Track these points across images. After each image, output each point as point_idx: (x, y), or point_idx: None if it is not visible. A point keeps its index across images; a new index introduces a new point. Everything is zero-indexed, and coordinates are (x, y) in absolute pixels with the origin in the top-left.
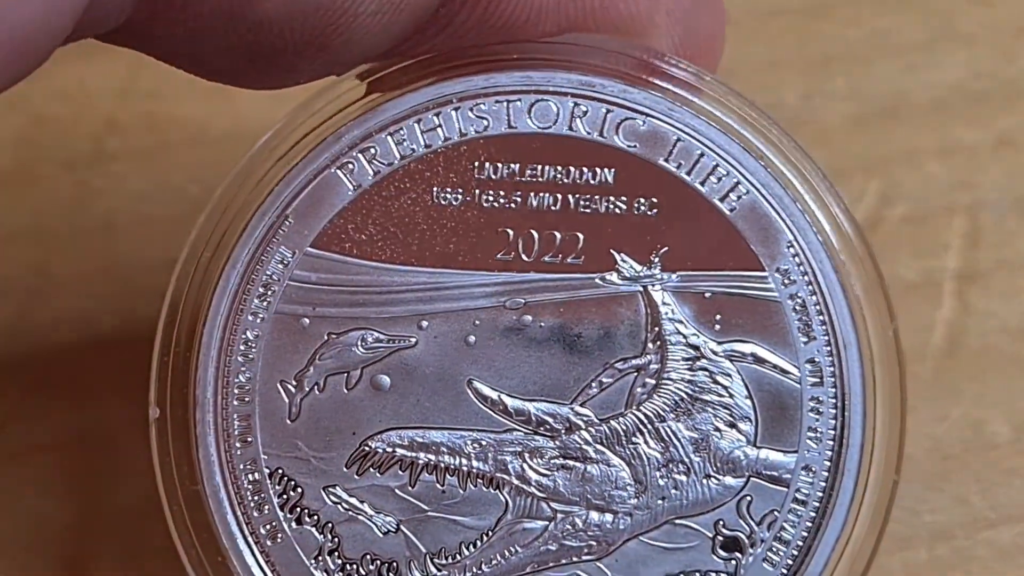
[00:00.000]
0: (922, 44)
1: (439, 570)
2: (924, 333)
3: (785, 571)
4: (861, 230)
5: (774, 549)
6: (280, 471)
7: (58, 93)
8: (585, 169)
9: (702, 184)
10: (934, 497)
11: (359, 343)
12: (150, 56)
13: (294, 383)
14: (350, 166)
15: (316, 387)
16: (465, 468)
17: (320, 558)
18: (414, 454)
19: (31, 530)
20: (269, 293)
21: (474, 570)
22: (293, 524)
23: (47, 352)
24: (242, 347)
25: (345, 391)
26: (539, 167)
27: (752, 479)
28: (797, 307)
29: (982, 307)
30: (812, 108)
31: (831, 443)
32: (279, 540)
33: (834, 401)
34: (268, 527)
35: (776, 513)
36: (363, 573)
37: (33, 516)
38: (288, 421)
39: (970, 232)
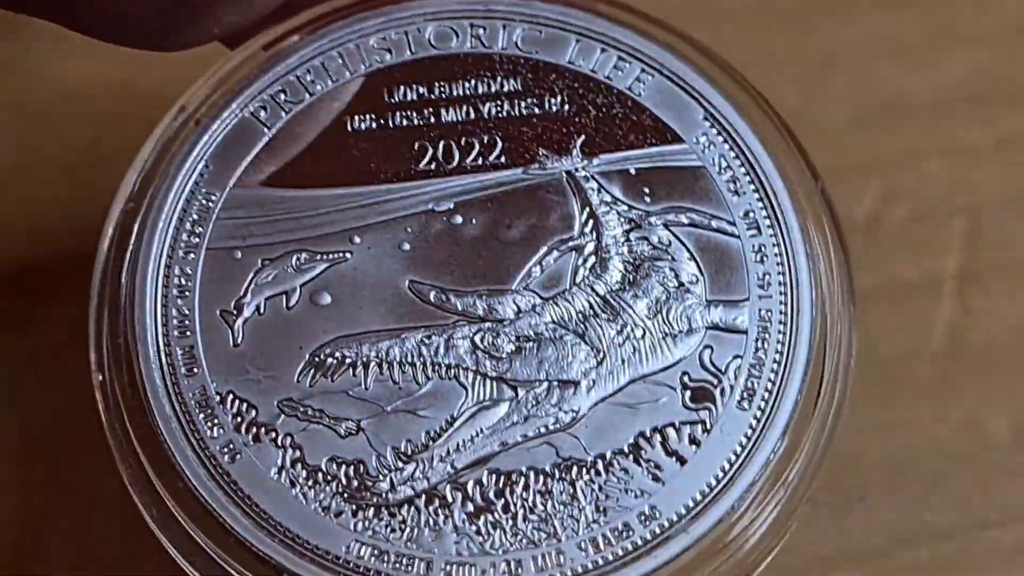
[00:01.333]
0: (922, 44)
1: (404, 462)
2: (924, 333)
3: (760, 410)
4: (767, 101)
5: (744, 392)
6: (231, 394)
7: (58, 93)
8: (492, 80)
9: (607, 76)
10: (935, 497)
11: (293, 263)
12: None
13: (234, 311)
14: (263, 110)
15: (257, 311)
16: (419, 363)
17: (284, 470)
18: (364, 357)
19: None
20: (197, 233)
21: (442, 456)
22: (251, 442)
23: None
24: (177, 285)
25: (286, 310)
26: (447, 84)
27: (709, 331)
28: (722, 168)
29: (982, 307)
30: (812, 108)
31: (780, 285)
32: (239, 459)
33: (775, 245)
34: (226, 449)
35: (739, 359)
36: (330, 476)
37: None
38: (232, 346)
39: (970, 232)
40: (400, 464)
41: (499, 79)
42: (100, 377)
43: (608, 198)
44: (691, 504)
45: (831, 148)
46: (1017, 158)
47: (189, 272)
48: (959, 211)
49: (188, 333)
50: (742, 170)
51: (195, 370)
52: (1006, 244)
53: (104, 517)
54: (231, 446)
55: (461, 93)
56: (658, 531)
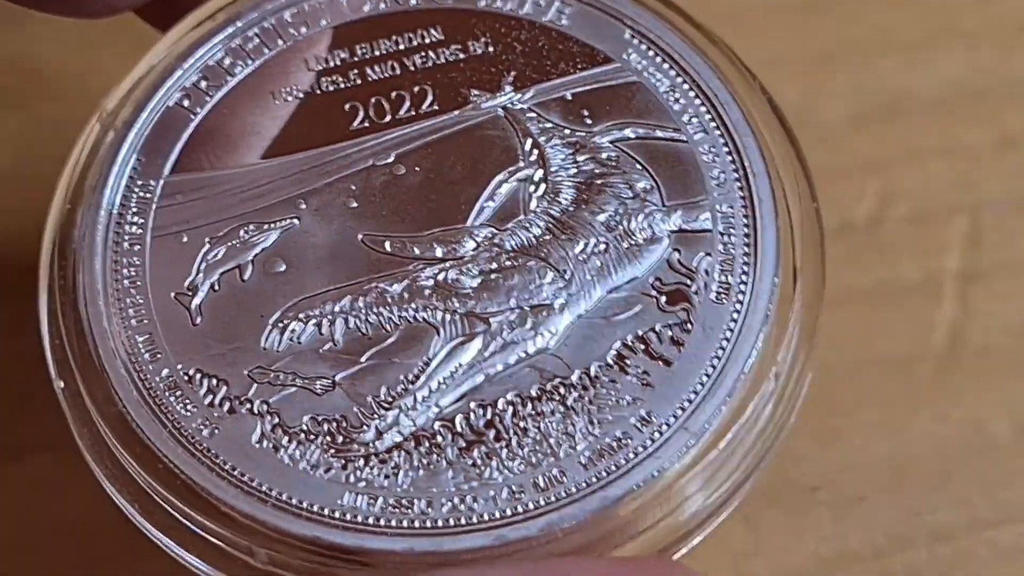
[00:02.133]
0: (923, 42)
1: (386, 409)
2: (925, 333)
3: (739, 304)
4: (687, 14)
5: (719, 287)
6: (199, 372)
7: (58, 93)
8: (411, 34)
9: (527, 12)
10: (935, 497)
11: (241, 236)
12: None
13: (188, 291)
14: (187, 96)
15: (212, 288)
16: (385, 311)
17: (265, 437)
18: (330, 314)
19: None
20: (139, 224)
21: (424, 397)
22: (226, 415)
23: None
24: (128, 276)
25: (241, 283)
26: (368, 44)
27: (673, 235)
28: (656, 80)
29: (983, 307)
30: (813, 107)
31: (738, 183)
32: (217, 433)
33: (724, 143)
34: (202, 425)
35: (708, 256)
36: (315, 434)
37: None
38: (192, 326)
39: (971, 232)
40: (382, 411)
41: (420, 32)
42: (62, 384)
43: (549, 125)
44: (686, 404)
45: (831, 147)
46: (1018, 157)
47: (137, 263)
48: (959, 211)
49: (145, 321)
50: (679, 79)
51: (158, 355)
52: (1007, 244)
53: (87, 526)
54: (206, 422)
55: (384, 51)
56: (655, 435)
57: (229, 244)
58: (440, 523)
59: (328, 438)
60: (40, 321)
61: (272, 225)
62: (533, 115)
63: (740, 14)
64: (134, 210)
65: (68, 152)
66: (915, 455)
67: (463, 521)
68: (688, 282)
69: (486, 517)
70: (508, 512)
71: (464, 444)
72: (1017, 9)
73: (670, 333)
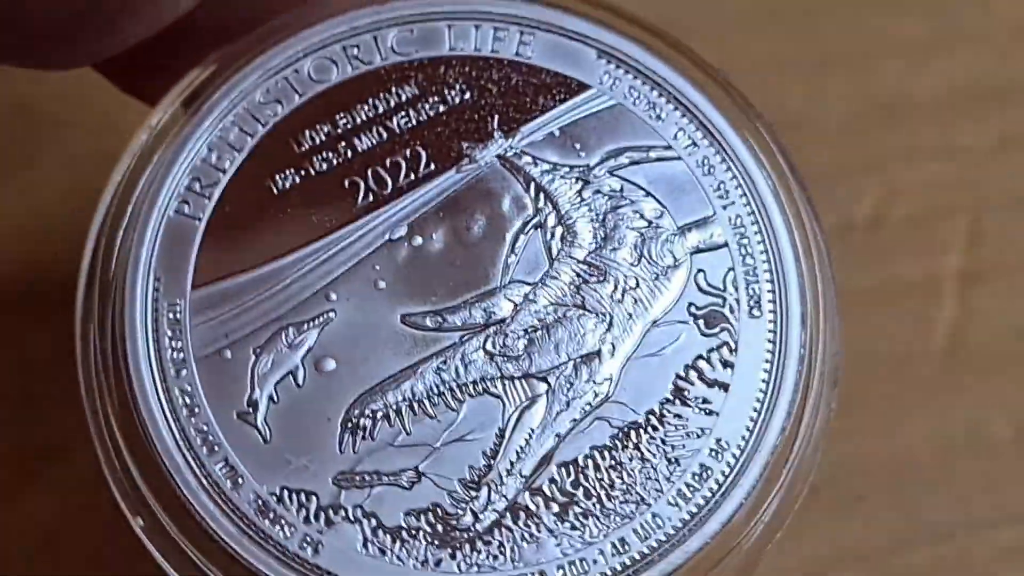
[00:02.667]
0: (923, 44)
1: (475, 489)
2: (925, 333)
3: (772, 313)
4: (644, 22)
5: (749, 300)
6: (285, 490)
7: (58, 93)
8: (388, 95)
9: (493, 50)
10: (935, 497)
11: (284, 342)
12: None
13: (249, 409)
14: (185, 203)
15: (271, 400)
16: (446, 391)
17: (369, 542)
18: (394, 406)
19: None
20: (178, 347)
21: (508, 469)
22: (325, 528)
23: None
24: (184, 404)
25: (298, 389)
26: (348, 114)
27: (694, 256)
28: (636, 99)
29: (983, 307)
30: (813, 108)
31: (738, 190)
32: (322, 549)
33: (717, 153)
34: (305, 544)
35: (732, 271)
36: (415, 530)
37: None
38: (264, 443)
39: (971, 232)
40: (473, 493)
41: (394, 91)
42: (141, 521)
43: (547, 166)
44: (751, 423)
45: (831, 148)
46: (1018, 158)
47: (188, 388)
48: (959, 211)
49: (216, 448)
50: (654, 93)
51: (240, 481)
52: (1006, 244)
53: None
54: (309, 539)
55: (365, 117)
56: (733, 460)
57: (275, 352)
58: None
59: (429, 530)
60: (100, 461)
61: (311, 324)
62: (529, 159)
63: (741, 17)
64: (168, 334)
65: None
66: (915, 455)
67: None
68: (720, 302)
69: None
70: (618, 567)
71: (558, 509)
72: (1016, 11)
73: (718, 356)
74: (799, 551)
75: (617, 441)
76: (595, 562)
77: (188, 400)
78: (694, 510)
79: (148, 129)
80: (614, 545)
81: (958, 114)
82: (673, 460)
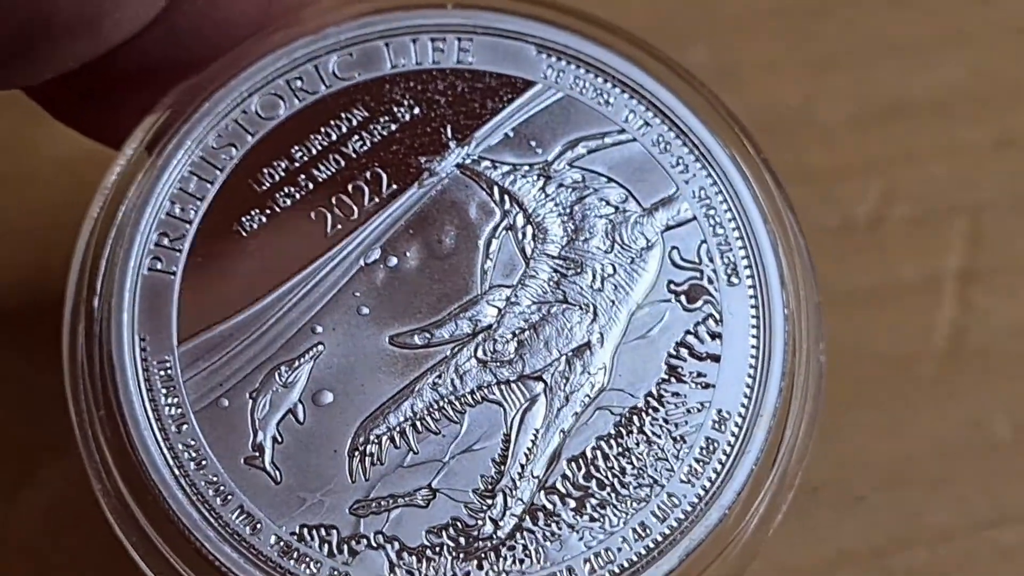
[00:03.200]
0: (923, 44)
1: (491, 497)
2: (925, 333)
3: (750, 278)
4: (582, 12)
5: (726, 268)
6: (304, 528)
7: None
8: (337, 121)
9: (434, 61)
10: (935, 497)
11: (278, 381)
12: None
13: (256, 453)
14: (157, 259)
15: (275, 442)
16: (445, 405)
17: (396, 566)
18: (397, 427)
19: None
20: (174, 403)
21: (520, 473)
22: (350, 559)
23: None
24: (191, 459)
25: (300, 426)
26: (302, 146)
27: (664, 234)
28: (582, 89)
29: (983, 307)
30: (813, 108)
31: (697, 163)
32: None
33: (670, 129)
34: None
35: (704, 243)
36: (437, 548)
37: None
38: (275, 485)
39: (971, 232)
40: (489, 502)
41: (343, 116)
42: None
43: (507, 168)
44: (748, 391)
45: (832, 148)
46: (1018, 158)
47: (192, 443)
48: (960, 211)
49: (230, 497)
50: (599, 80)
51: (258, 526)
52: (1007, 244)
53: None
54: (336, 573)
55: (320, 147)
56: (736, 429)
57: (272, 393)
58: None
59: (452, 544)
60: (115, 527)
61: (302, 359)
62: (488, 163)
63: (742, 17)
64: (163, 392)
65: (61, 355)
66: (915, 455)
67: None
68: (697, 275)
69: (627, 564)
70: (643, 551)
71: (575, 503)
72: (1016, 12)
73: (705, 329)
74: (799, 551)
75: (621, 428)
76: (619, 550)
77: (193, 454)
78: (707, 484)
79: (109, 184)
80: (635, 530)
81: (959, 114)
82: (678, 438)
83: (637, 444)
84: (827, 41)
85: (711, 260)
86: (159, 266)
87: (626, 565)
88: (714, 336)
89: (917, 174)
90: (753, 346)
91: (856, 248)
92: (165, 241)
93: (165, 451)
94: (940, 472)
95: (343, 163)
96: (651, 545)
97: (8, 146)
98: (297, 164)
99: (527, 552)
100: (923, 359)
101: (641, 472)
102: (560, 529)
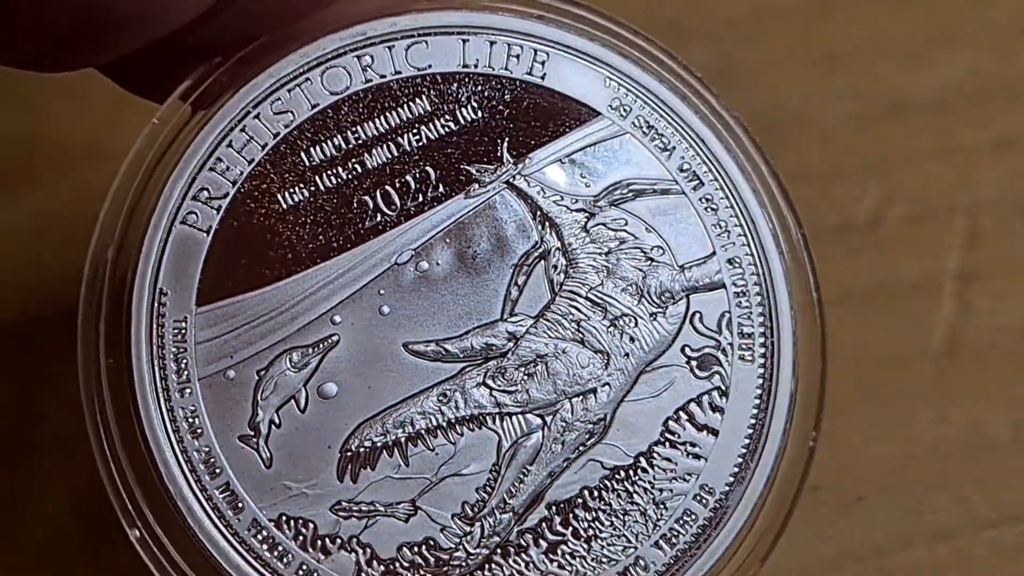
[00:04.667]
0: (923, 44)
1: (469, 525)
2: (924, 333)
3: (763, 356)
4: (671, 52)
5: (743, 344)
6: (283, 516)
7: (60, 92)
8: (400, 109)
9: (506, 68)
10: (934, 497)
11: (288, 365)
12: None
13: (252, 432)
14: (193, 213)
15: (273, 425)
16: (443, 423)
17: (363, 572)
18: (392, 436)
19: None
20: (184, 365)
21: (501, 507)
22: (321, 557)
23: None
24: (188, 425)
25: (300, 414)
26: (359, 127)
27: (691, 296)
28: (644, 129)
29: (982, 307)
30: (813, 108)
31: (738, 228)
32: None
33: (719, 191)
34: (301, 572)
35: (727, 313)
36: (407, 563)
37: None
38: (266, 468)
39: (970, 232)
40: (467, 529)
41: (406, 105)
42: (138, 533)
43: (554, 195)
44: (736, 469)
45: (831, 148)
46: (1017, 158)
47: (192, 408)
48: (959, 211)
49: (218, 471)
50: (663, 123)
51: (240, 505)
52: (1006, 244)
53: None
54: (305, 567)
55: (377, 132)
56: (718, 506)
57: (279, 375)
58: None
59: (422, 563)
60: (101, 472)
61: (315, 348)
62: (537, 187)
63: (742, 17)
64: (173, 350)
65: (77, 299)
66: (915, 455)
67: None
68: (714, 345)
69: None
70: None
71: (547, 547)
72: (1016, 12)
73: (708, 400)
74: (799, 551)
75: (607, 482)
76: None
77: (193, 421)
78: (678, 555)
79: (152, 129)
80: None
81: (957, 114)
82: (660, 503)
83: (619, 502)
84: (827, 41)
85: (730, 332)
86: (193, 221)
87: None
88: (716, 409)
89: (916, 174)
90: (751, 427)
91: (855, 248)
92: (204, 196)
93: (164, 412)
94: (939, 472)
95: (396, 154)
96: None
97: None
98: (350, 145)
99: None
100: (922, 359)
101: (617, 531)
102: (528, 570)
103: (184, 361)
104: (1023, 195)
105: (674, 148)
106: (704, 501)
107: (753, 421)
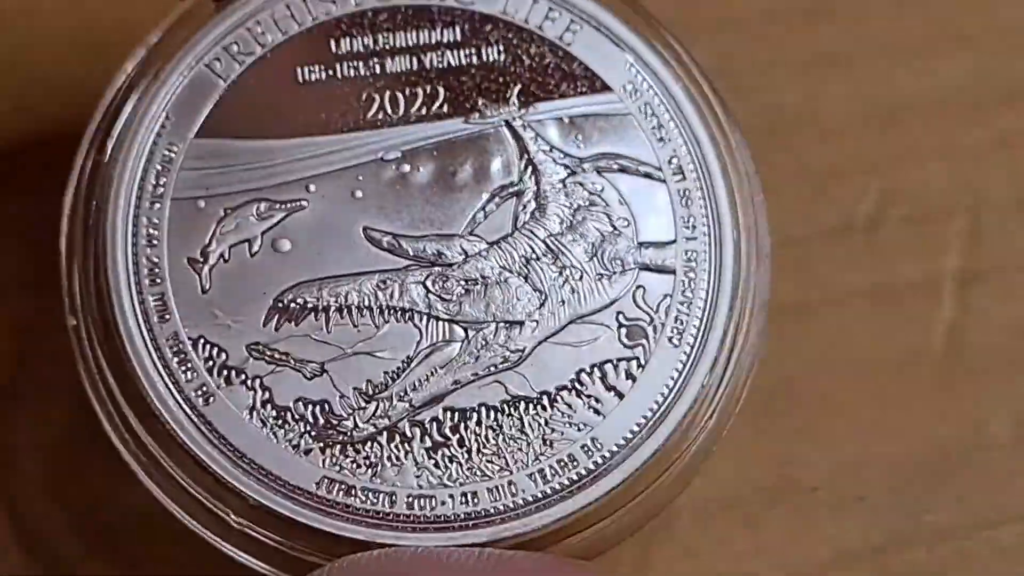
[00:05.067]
0: (923, 45)
1: (366, 401)
2: (924, 333)
3: (689, 346)
4: (690, 54)
5: (674, 328)
6: (202, 339)
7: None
8: (432, 31)
9: (539, 27)
10: (934, 497)
11: (254, 212)
12: None
13: (200, 258)
14: (217, 62)
15: (222, 258)
16: (375, 307)
17: (254, 410)
18: (324, 302)
19: None
20: (163, 183)
21: (401, 395)
22: (223, 384)
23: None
24: (146, 235)
25: (249, 257)
26: (390, 34)
27: (641, 272)
28: (647, 115)
29: (983, 307)
30: (813, 109)
31: (704, 227)
32: (212, 401)
33: (699, 190)
34: (199, 391)
35: (669, 297)
36: (298, 416)
37: None
38: (201, 293)
39: (971, 232)
40: (363, 404)
41: (439, 29)
42: (74, 321)
43: (545, 146)
44: (629, 436)
45: (831, 148)
46: (1017, 158)
47: (156, 221)
48: (959, 211)
49: (158, 280)
50: (666, 116)
51: (167, 316)
52: (1006, 244)
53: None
54: (204, 389)
55: (404, 44)
56: (600, 461)
57: (242, 218)
58: (401, 518)
59: (311, 421)
60: (60, 256)
61: (283, 205)
62: (532, 134)
63: (741, 16)
64: (158, 168)
65: (98, 100)
66: (915, 455)
67: (421, 518)
68: (647, 320)
69: (441, 518)
70: (460, 515)
71: (430, 445)
72: (1015, 13)
73: (625, 367)
74: (798, 551)
75: (506, 406)
76: (443, 503)
77: (151, 232)
78: (548, 491)
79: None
80: (465, 496)
81: (957, 114)
82: (548, 442)
83: (510, 428)
84: (828, 42)
85: (665, 316)
86: (216, 67)
87: (439, 521)
88: (629, 376)
89: (916, 174)
90: (655, 402)
91: (855, 248)
92: (234, 49)
93: (131, 215)
94: (940, 472)
95: (414, 67)
96: (471, 514)
97: None
98: (377, 47)
99: (367, 461)
100: (922, 359)
101: (500, 451)
102: (404, 459)
103: (164, 180)
104: (1023, 195)
105: (669, 140)
106: (589, 453)
107: (660, 399)
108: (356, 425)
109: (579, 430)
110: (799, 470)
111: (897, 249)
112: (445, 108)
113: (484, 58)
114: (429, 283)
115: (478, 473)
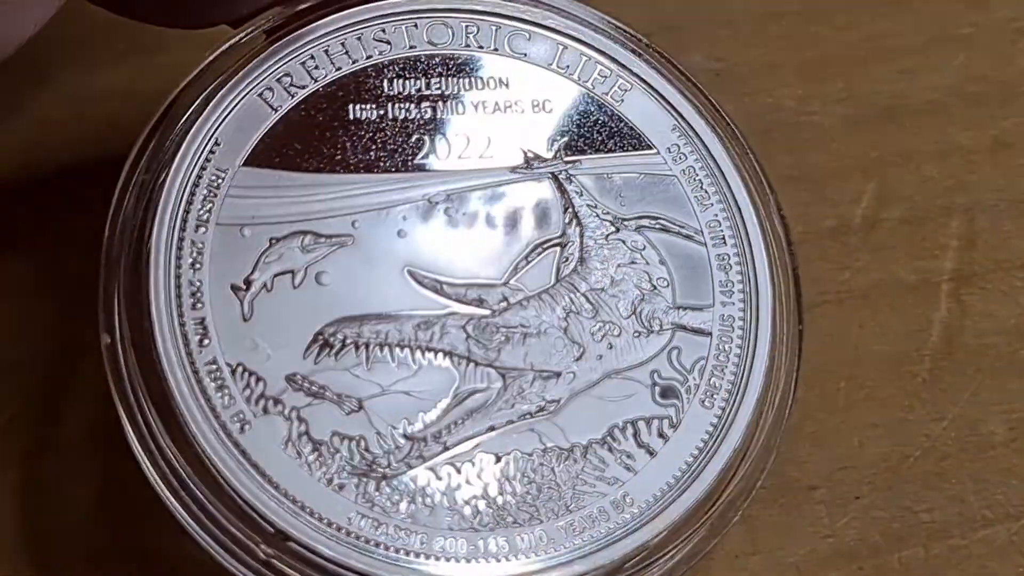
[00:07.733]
0: (919, 47)
1: (404, 440)
2: (921, 334)
3: (721, 410)
4: (732, 120)
5: (707, 391)
6: (241, 366)
7: (63, 96)
8: (484, 78)
9: (589, 83)
10: (931, 497)
11: (299, 244)
12: None
13: (243, 285)
14: (269, 92)
15: (264, 287)
16: (414, 346)
17: (290, 442)
18: (365, 338)
19: None
20: (208, 208)
21: (436, 436)
22: (260, 413)
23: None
24: (190, 258)
25: (292, 288)
26: (442, 80)
27: (677, 332)
28: (691, 178)
29: (978, 308)
30: (810, 111)
31: (741, 293)
32: (247, 430)
33: (737, 255)
34: (236, 418)
35: (703, 360)
36: (335, 450)
37: None
38: (242, 320)
39: (966, 233)
40: (399, 443)
41: (490, 80)
42: (108, 339)
43: (590, 200)
44: (659, 494)
45: (829, 149)
46: (1013, 159)
47: (200, 245)
48: (954, 212)
49: (199, 305)
50: (708, 180)
51: (206, 341)
52: (1002, 245)
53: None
54: (241, 416)
55: (456, 90)
56: (629, 519)
57: (287, 248)
58: (431, 559)
59: (347, 456)
60: (99, 276)
61: (328, 240)
62: (577, 188)
63: (739, 19)
64: (204, 193)
65: (146, 122)
66: (911, 454)
67: (451, 562)
68: (681, 380)
69: (471, 563)
70: (491, 562)
71: (462, 488)
72: (1011, 15)
73: (658, 426)
74: (795, 550)
75: (539, 456)
76: (474, 547)
77: (195, 255)
78: (579, 543)
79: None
80: (496, 541)
81: (955, 116)
82: (579, 494)
83: (543, 477)
84: (824, 44)
85: (699, 376)
86: (269, 97)
87: (469, 563)
88: (661, 436)
89: (912, 175)
90: (686, 463)
91: (852, 248)
92: (287, 81)
93: (176, 237)
94: (935, 471)
95: (465, 113)
96: (501, 561)
97: None
98: (429, 92)
99: (400, 501)
100: (918, 359)
101: (532, 501)
102: (435, 501)
103: (211, 204)
104: (1019, 196)
105: (711, 205)
106: (619, 508)
107: (690, 460)
108: (391, 464)
109: (610, 484)
110: (797, 470)
111: (893, 250)
112: (493, 156)
113: (534, 110)
114: (469, 328)
115: (509, 520)
